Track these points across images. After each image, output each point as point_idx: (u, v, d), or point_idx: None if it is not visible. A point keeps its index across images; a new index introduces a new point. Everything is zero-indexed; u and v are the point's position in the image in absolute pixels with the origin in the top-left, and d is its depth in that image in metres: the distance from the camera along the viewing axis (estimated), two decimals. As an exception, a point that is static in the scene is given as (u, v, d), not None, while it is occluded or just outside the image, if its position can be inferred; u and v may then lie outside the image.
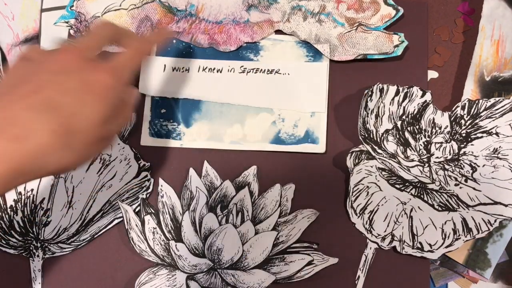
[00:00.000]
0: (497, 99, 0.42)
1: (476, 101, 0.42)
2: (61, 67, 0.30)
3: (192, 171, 0.43)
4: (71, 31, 0.46)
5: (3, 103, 0.28)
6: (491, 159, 0.41)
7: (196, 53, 0.45)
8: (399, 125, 0.42)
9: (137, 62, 0.35)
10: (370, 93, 0.42)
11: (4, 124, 0.27)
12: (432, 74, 0.45)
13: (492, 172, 0.41)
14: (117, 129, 0.33)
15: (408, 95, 0.42)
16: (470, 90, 0.44)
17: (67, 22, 0.46)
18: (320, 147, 0.43)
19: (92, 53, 0.33)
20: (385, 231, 0.41)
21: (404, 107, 0.42)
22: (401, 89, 0.42)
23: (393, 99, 0.42)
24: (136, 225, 0.42)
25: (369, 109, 0.42)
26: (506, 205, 0.40)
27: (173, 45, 0.45)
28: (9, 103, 0.27)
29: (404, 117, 0.42)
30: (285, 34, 0.45)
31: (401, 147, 0.42)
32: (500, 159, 0.41)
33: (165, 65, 0.45)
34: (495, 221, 0.40)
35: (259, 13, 0.46)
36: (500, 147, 0.41)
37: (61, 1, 0.47)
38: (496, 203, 0.40)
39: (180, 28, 0.45)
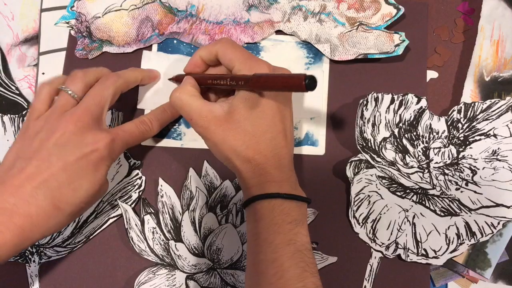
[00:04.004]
0: (492, 100, 0.43)
1: (472, 104, 0.43)
2: (60, 138, 0.36)
3: (192, 171, 0.45)
4: (72, 32, 0.48)
5: (17, 181, 0.34)
6: (490, 161, 0.43)
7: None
8: (396, 133, 0.43)
9: (137, 137, 0.41)
10: (365, 102, 0.44)
11: (20, 203, 0.33)
12: (432, 74, 0.47)
13: (492, 174, 0.42)
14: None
15: (404, 102, 0.44)
16: (469, 91, 0.45)
17: (67, 23, 0.48)
18: (319, 149, 0.46)
19: (92, 116, 0.37)
20: (389, 239, 0.42)
21: (400, 115, 0.44)
22: (396, 97, 0.44)
23: (388, 107, 0.44)
24: (135, 224, 0.44)
25: (365, 118, 0.44)
26: (508, 207, 0.42)
27: (173, 45, 0.48)
28: (21, 182, 0.34)
29: (401, 124, 0.43)
30: (286, 34, 0.47)
31: (399, 154, 0.43)
32: (500, 160, 0.43)
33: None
34: (499, 223, 0.42)
35: (260, 13, 0.48)
36: (499, 148, 0.43)
37: (61, 1, 0.49)
38: (498, 205, 0.42)
39: (181, 29, 0.47)
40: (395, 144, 0.44)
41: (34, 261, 0.44)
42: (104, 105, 0.39)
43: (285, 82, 0.34)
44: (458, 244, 0.42)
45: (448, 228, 0.42)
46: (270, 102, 0.37)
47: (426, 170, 0.43)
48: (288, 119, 0.39)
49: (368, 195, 0.43)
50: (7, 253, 0.33)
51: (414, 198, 0.43)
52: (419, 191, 0.43)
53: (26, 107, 0.47)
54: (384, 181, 0.43)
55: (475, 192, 0.42)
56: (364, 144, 0.44)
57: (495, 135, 0.43)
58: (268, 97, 0.37)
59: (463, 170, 0.43)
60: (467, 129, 0.43)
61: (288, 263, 0.33)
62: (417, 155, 0.43)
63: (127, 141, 0.39)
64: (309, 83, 0.32)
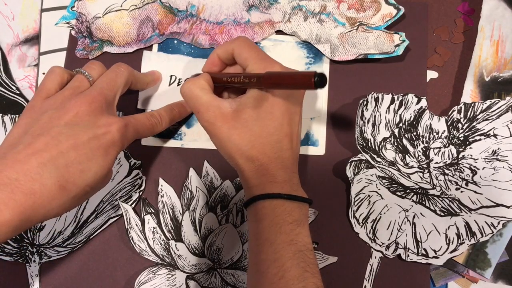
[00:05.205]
0: (492, 100, 0.44)
1: (472, 104, 0.44)
2: (73, 118, 0.35)
3: (192, 171, 0.45)
4: (72, 32, 0.48)
5: (21, 156, 0.32)
6: (490, 161, 0.43)
7: (197, 54, 0.48)
8: (396, 133, 0.44)
9: (148, 128, 0.40)
10: (365, 102, 0.44)
11: (23, 179, 0.31)
12: (432, 74, 0.47)
13: (492, 174, 0.43)
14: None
15: (404, 102, 0.44)
16: (469, 91, 0.46)
17: (68, 23, 0.48)
18: (319, 150, 0.46)
19: (106, 100, 0.37)
20: (389, 239, 0.43)
21: (400, 115, 0.44)
22: (396, 97, 0.44)
23: (388, 107, 0.44)
24: (136, 224, 0.44)
25: (366, 118, 0.44)
26: (508, 207, 0.42)
27: (174, 45, 0.48)
28: (26, 157, 0.32)
29: (401, 124, 0.44)
30: (286, 34, 0.47)
31: (400, 155, 0.43)
32: (500, 160, 0.43)
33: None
34: (499, 223, 0.42)
35: (260, 14, 0.48)
36: (499, 148, 0.43)
37: (61, 1, 0.49)
38: (498, 205, 0.42)
39: (181, 29, 0.48)
40: (395, 144, 0.44)
41: (34, 261, 0.44)
42: (117, 91, 0.39)
43: (295, 80, 0.34)
44: (458, 244, 0.42)
45: (448, 228, 0.42)
46: (280, 104, 0.37)
47: (426, 170, 0.43)
48: (296, 122, 0.39)
49: (368, 195, 0.43)
50: (5, 235, 0.30)
51: (414, 198, 0.43)
52: (419, 191, 0.43)
53: (26, 107, 0.48)
54: (384, 181, 0.44)
55: (475, 192, 0.43)
56: (364, 144, 0.44)
57: (495, 135, 0.43)
58: (278, 98, 0.37)
59: (463, 170, 0.43)
60: (467, 129, 0.44)
61: (289, 263, 0.33)
62: (417, 155, 0.43)
63: (138, 129, 0.39)
64: (318, 80, 0.32)
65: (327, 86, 0.47)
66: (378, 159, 0.44)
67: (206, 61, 0.43)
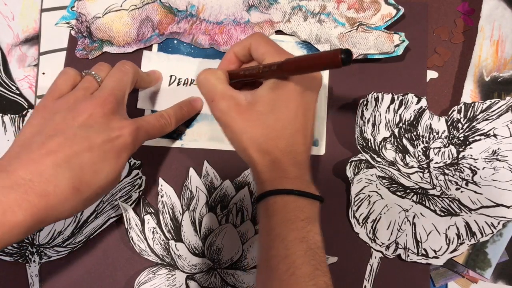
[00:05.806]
0: (492, 100, 0.44)
1: (472, 104, 0.44)
2: (87, 119, 0.35)
3: (192, 171, 0.45)
4: (72, 32, 0.48)
5: (35, 156, 0.32)
6: (490, 161, 0.43)
7: (196, 54, 0.48)
8: (396, 133, 0.44)
9: (158, 130, 0.40)
10: (365, 102, 0.44)
11: (36, 180, 0.31)
12: (432, 74, 0.47)
13: (492, 174, 0.43)
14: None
15: (404, 102, 0.44)
16: (469, 91, 0.46)
17: (68, 23, 0.48)
18: (319, 149, 0.46)
19: (117, 100, 0.37)
20: (389, 239, 0.43)
21: (400, 115, 0.44)
22: (396, 97, 0.44)
23: (388, 107, 0.44)
24: (136, 224, 0.44)
25: (365, 118, 0.44)
26: (508, 207, 0.42)
27: (174, 45, 0.48)
28: (40, 158, 0.32)
29: (401, 124, 0.44)
30: (286, 34, 0.47)
31: (400, 154, 0.44)
32: (500, 160, 0.43)
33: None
34: (499, 223, 0.42)
35: (260, 14, 0.48)
36: (499, 148, 0.43)
37: (61, 1, 0.49)
38: (498, 205, 0.42)
39: (181, 29, 0.48)
40: (395, 144, 0.44)
41: (34, 261, 0.44)
42: (126, 90, 0.39)
43: (320, 60, 0.33)
44: (458, 244, 0.42)
45: (448, 228, 0.42)
46: (295, 98, 0.37)
47: (426, 170, 0.43)
48: (310, 118, 0.39)
49: (368, 195, 0.44)
50: (17, 236, 0.30)
51: (414, 198, 0.43)
52: (419, 191, 0.43)
53: (26, 107, 0.48)
54: (384, 181, 0.44)
55: (475, 192, 0.43)
56: (364, 144, 0.44)
57: (495, 135, 0.43)
58: (294, 92, 0.37)
59: (463, 170, 0.43)
60: (467, 129, 0.44)
61: (301, 260, 0.33)
62: (417, 155, 0.43)
63: (149, 132, 0.39)
64: (345, 57, 0.30)
65: (327, 86, 0.47)
66: (378, 159, 0.44)
67: (222, 59, 0.43)
